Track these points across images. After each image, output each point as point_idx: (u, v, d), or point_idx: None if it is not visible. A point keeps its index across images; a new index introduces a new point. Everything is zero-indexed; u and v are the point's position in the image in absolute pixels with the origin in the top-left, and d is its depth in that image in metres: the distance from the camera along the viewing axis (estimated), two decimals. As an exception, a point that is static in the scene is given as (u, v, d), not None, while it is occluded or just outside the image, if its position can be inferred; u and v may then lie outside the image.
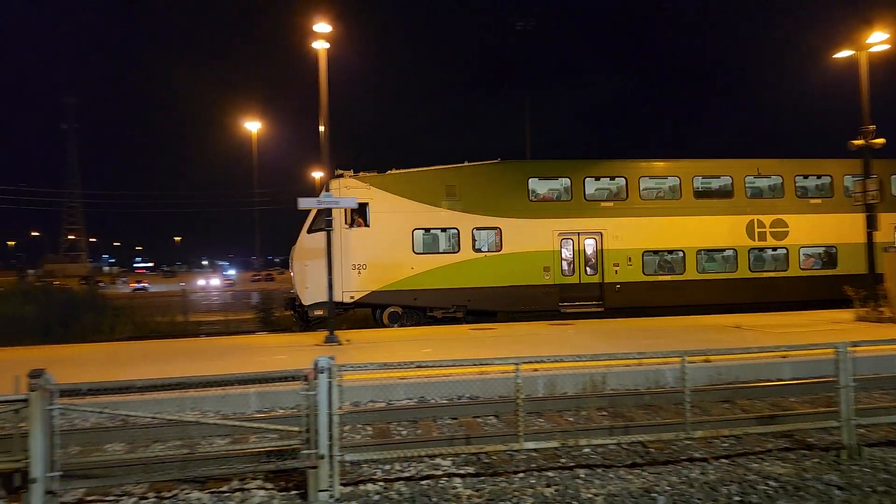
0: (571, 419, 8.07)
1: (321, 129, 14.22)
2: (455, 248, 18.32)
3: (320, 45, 13.91)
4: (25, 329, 18.82)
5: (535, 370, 9.19)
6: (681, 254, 19.24)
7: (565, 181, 19.26)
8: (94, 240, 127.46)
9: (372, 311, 18.75)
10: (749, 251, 19.51)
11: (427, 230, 18.44)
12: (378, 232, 17.89)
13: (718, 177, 20.04)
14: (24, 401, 5.33)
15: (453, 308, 18.24)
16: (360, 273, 17.67)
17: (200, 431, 7.50)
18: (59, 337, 18.68)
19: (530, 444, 6.02)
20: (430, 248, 18.50)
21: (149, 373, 10.26)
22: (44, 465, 5.26)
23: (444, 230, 18.56)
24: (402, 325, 18.00)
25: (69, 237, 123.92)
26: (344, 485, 5.91)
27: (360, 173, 18.36)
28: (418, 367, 6.29)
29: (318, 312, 17.31)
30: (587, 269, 18.87)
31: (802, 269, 19.77)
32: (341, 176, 17.99)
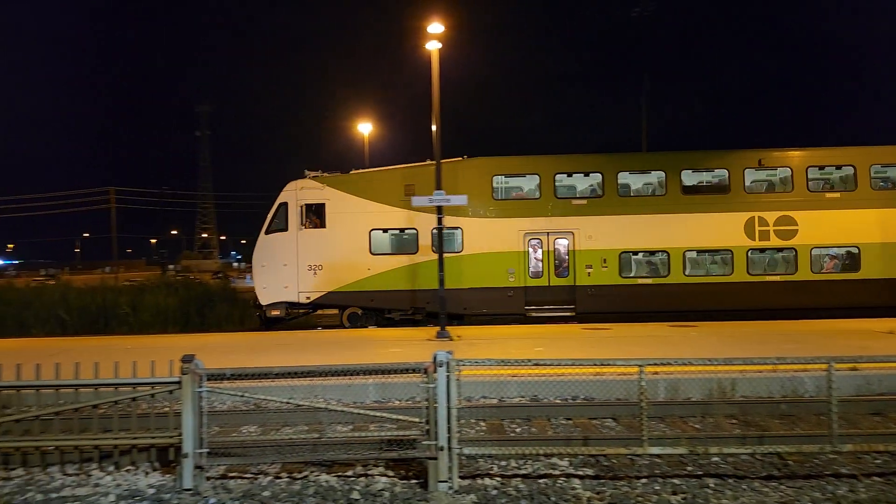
0: (698, 426, 7.67)
1: (433, 127, 14.47)
2: (413, 248, 17.73)
3: (433, 46, 14.16)
4: (168, 318, 20.81)
5: (656, 373, 8.80)
6: (665, 255, 17.61)
7: (533, 178, 18.15)
8: (223, 238, 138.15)
9: (339, 312, 18.63)
10: (748, 252, 17.48)
11: (385, 230, 18.05)
12: (334, 233, 17.85)
13: (712, 170, 18.25)
14: (178, 383, 5.88)
15: (411, 310, 17.86)
16: (315, 274, 17.75)
17: (328, 418, 7.91)
18: (196, 326, 20.47)
19: (655, 450, 5.77)
20: (388, 248, 18.16)
21: (279, 361, 10.97)
22: (193, 442, 5.77)
23: (402, 231, 18.10)
24: (361, 326, 17.89)
25: (203, 235, 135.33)
26: (462, 477, 5.99)
27: (323, 174, 18.60)
28: (536, 364, 6.23)
29: (275, 312, 17.86)
30: (557, 271, 17.75)
31: (815, 273, 17.39)
32: (306, 177, 18.35)
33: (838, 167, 18.05)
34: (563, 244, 17.76)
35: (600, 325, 16.17)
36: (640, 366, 5.76)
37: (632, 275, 17.83)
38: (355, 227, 17.85)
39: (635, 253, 17.86)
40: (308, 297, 17.82)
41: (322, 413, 7.29)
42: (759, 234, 17.49)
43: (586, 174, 18.32)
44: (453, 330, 15.07)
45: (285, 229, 17.98)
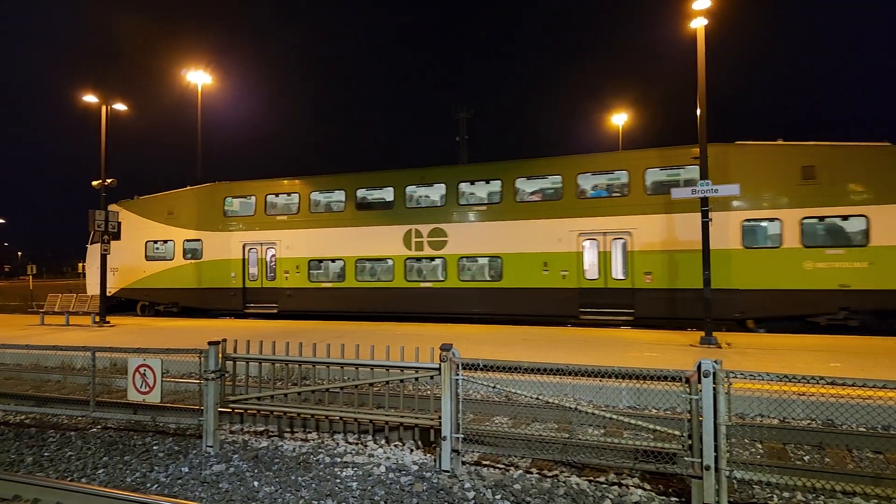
0: None
1: (698, 112, 13.14)
2: (171, 256, 23.08)
3: (698, 23, 12.88)
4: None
5: None
6: (341, 263, 20.44)
7: (252, 199, 22.06)
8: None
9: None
10: (406, 261, 19.48)
11: (154, 242, 23.51)
12: (126, 243, 23.57)
13: (381, 188, 20.34)
14: (437, 369, 6.25)
15: (171, 304, 23.15)
16: (114, 274, 23.49)
17: (578, 419, 7.71)
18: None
19: None
20: (155, 256, 23.51)
21: (525, 356, 11.11)
22: (451, 427, 6.07)
23: (165, 242, 23.31)
24: (151, 315, 23.36)
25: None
26: (732, 503, 5.24)
27: (137, 198, 24.22)
28: (831, 383, 5.14)
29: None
30: (268, 275, 21.52)
31: (462, 281, 18.80)
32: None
33: (487, 181, 19.01)
34: (271, 253, 21.55)
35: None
36: None
37: (318, 280, 20.90)
38: (137, 239, 23.69)
39: (320, 261, 20.96)
40: (110, 292, 22.56)
41: (572, 413, 7.09)
42: (415, 244, 19.37)
43: (289, 195, 21.60)
44: (723, 336, 13.57)
45: (94, 243, 23.87)
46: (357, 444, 7.15)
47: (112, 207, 23.07)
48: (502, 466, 6.35)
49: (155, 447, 7.24)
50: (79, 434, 7.85)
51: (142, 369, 7.27)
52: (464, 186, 19.11)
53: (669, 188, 14.94)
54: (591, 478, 5.99)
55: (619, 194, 17.17)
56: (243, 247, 21.87)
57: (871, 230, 14.54)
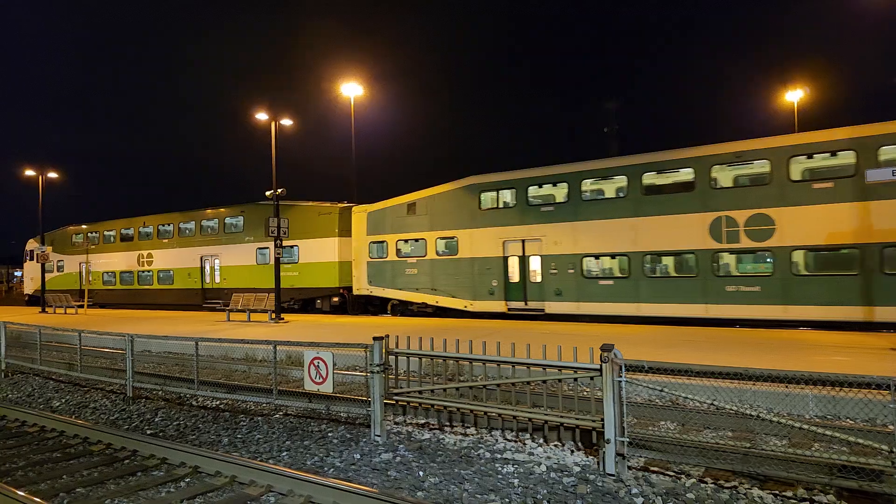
0: None
1: None
2: (57, 269, 37.45)
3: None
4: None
5: None
6: (114, 274, 34.58)
7: (80, 236, 36.45)
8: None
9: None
10: (138, 272, 33.20)
11: (56, 262, 37.63)
12: (36, 263, 34.90)
13: (130, 228, 34.19)
14: (598, 370, 6.05)
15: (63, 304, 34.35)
16: (31, 280, 38.11)
17: (758, 427, 7.06)
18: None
19: None
20: (54, 270, 37.30)
21: (690, 358, 10.38)
22: (615, 430, 5.85)
23: (58, 261, 37.39)
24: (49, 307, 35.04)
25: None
26: (961, 536, 4.48)
27: (39, 236, 36.38)
28: None
29: (27, 298, 40.18)
30: (89, 280, 34.92)
31: (160, 284, 32.08)
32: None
33: (167, 225, 32.21)
34: (93, 269, 35.04)
35: None
36: None
37: (111, 285, 34.68)
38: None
39: (111, 273, 34.62)
40: (32, 292, 37.83)
41: (752, 421, 6.50)
42: (141, 262, 33.05)
43: (97, 233, 35.83)
44: (927, 339, 11.72)
45: (25, 261, 38.76)
46: (515, 441, 7.15)
47: (31, 241, 38.95)
48: (672, 474, 5.99)
49: (329, 434, 7.81)
50: (264, 419, 8.70)
51: (316, 361, 7.88)
52: (161, 227, 32.24)
53: (230, 230, 29.33)
54: (777, 492, 5.45)
55: (214, 233, 30.07)
56: (80, 264, 36.07)
57: (300, 254, 26.29)
